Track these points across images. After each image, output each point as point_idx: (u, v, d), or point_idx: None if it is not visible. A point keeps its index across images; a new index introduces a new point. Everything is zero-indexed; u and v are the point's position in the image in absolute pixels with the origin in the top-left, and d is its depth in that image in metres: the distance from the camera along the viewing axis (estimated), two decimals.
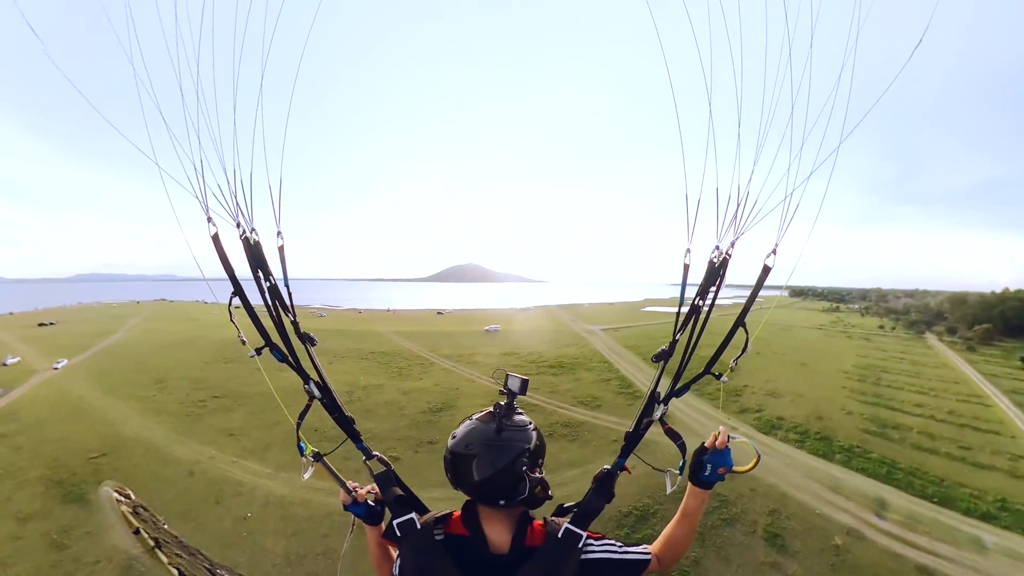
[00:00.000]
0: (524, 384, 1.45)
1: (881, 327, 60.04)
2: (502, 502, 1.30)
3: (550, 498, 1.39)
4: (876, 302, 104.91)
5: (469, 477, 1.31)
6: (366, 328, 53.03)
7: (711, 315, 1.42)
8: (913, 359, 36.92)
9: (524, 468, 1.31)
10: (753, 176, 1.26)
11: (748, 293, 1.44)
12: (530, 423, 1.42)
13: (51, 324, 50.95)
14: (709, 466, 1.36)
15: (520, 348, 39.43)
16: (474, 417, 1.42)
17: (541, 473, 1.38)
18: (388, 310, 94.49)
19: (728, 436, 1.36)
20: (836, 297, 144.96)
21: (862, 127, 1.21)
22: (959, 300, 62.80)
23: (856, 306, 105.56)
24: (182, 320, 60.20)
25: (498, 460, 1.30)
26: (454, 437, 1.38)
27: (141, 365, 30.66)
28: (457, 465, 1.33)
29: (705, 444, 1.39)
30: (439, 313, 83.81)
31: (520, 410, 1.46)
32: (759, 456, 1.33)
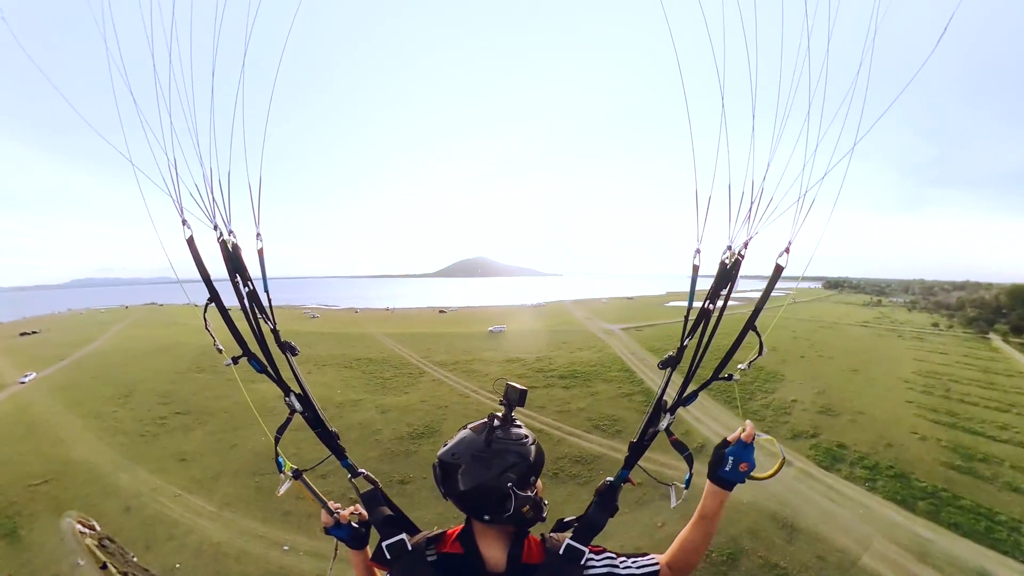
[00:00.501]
0: (523, 395, 1.49)
1: (935, 324, 59.33)
2: (487, 517, 1.36)
3: (543, 519, 1.42)
4: (922, 295, 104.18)
5: (455, 487, 1.37)
6: (358, 331, 54.17)
7: (722, 319, 1.45)
8: (982, 365, 35.05)
9: (510, 485, 1.34)
10: (768, 172, 1.29)
11: (764, 286, 1.47)
12: (527, 436, 1.46)
13: (33, 333, 54.10)
14: (731, 459, 1.37)
15: (527, 352, 39.22)
16: (468, 426, 1.48)
17: (534, 492, 1.41)
18: (387, 309, 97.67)
19: (755, 433, 1.38)
20: (875, 289, 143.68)
21: (896, 102, 1.23)
22: (1020, 293, 60.52)
23: (899, 299, 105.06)
24: (166, 325, 63.21)
25: (482, 474, 1.34)
26: (445, 444, 1.44)
27: (110, 377, 31.77)
28: (445, 474, 1.39)
29: (728, 439, 1.42)
30: (441, 312, 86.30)
31: (518, 422, 1.51)
32: (784, 459, 1.36)
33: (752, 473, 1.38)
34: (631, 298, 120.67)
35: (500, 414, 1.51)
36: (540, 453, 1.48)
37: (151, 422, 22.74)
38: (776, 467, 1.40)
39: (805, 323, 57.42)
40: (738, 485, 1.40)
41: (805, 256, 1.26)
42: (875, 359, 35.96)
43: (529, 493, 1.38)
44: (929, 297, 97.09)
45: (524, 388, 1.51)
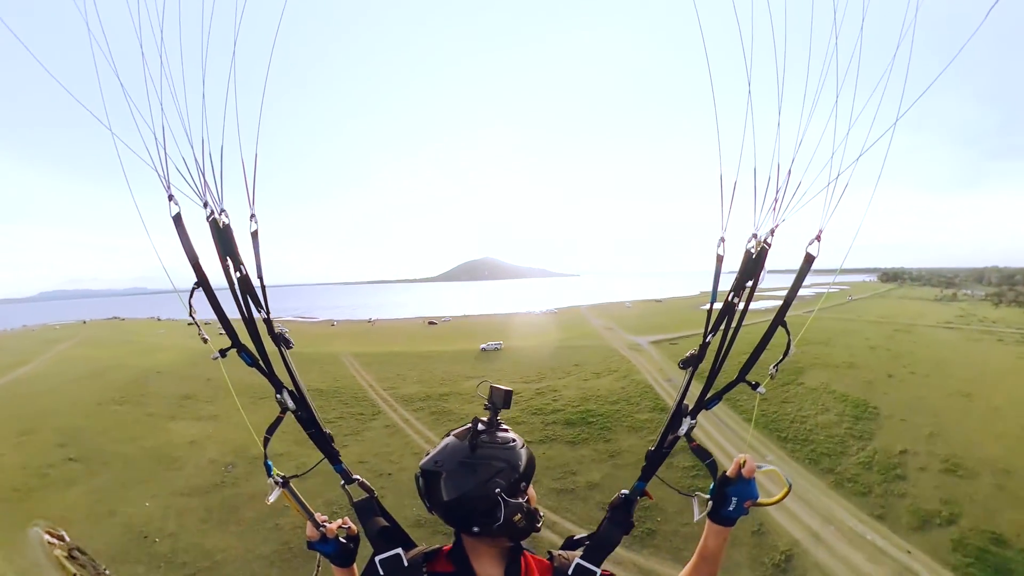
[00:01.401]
0: (508, 397, 1.67)
1: None
2: (476, 529, 1.49)
3: (536, 530, 1.58)
4: (1005, 285, 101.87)
5: (439, 497, 1.51)
6: (325, 350, 54.67)
7: (747, 312, 1.61)
8: None
9: (499, 491, 1.47)
10: (799, 151, 1.45)
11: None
12: (515, 440, 1.62)
13: None
14: (734, 500, 1.51)
15: (525, 379, 39.07)
16: (452, 432, 1.65)
17: (525, 499, 1.56)
18: (369, 321, 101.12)
19: (755, 464, 1.52)
20: (941, 281, 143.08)
21: (950, 63, 1.33)
22: None
23: (976, 292, 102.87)
24: (116, 344, 65.90)
25: (467, 481, 1.47)
26: (428, 453, 1.60)
27: (20, 409, 32.29)
28: (428, 484, 1.54)
29: (727, 474, 1.56)
30: (431, 323, 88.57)
31: (505, 426, 1.68)
32: (790, 485, 1.49)
33: (758, 500, 1.52)
34: (660, 300, 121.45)
35: (485, 418, 1.66)
36: (530, 458, 1.63)
37: (32, 472, 22.50)
38: (782, 494, 1.51)
39: (876, 326, 57.11)
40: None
41: (840, 244, 1.41)
42: (983, 375, 32.77)
43: (520, 500, 1.52)
44: (1014, 287, 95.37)
45: (509, 389, 1.68)
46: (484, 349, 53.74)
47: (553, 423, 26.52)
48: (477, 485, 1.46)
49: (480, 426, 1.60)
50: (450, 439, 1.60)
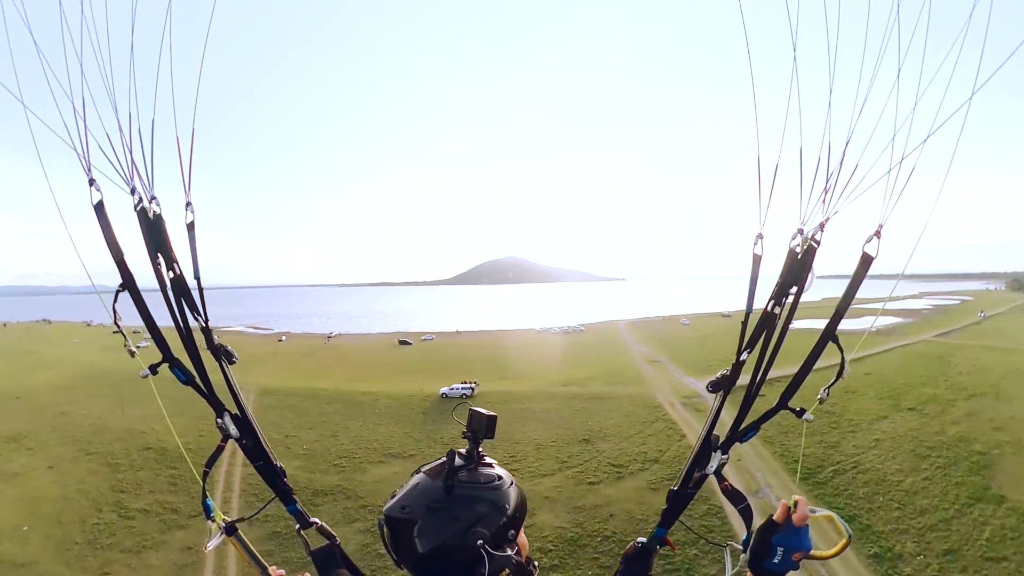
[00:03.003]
0: (491, 423, 1.70)
1: None
2: None
3: None
4: None
5: (408, 550, 1.53)
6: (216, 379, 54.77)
7: (791, 323, 1.64)
8: None
9: (481, 543, 1.48)
10: (853, 134, 1.47)
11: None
12: (500, 477, 1.65)
13: None
14: (780, 551, 1.55)
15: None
16: (423, 468, 1.67)
17: (514, 550, 1.58)
18: (328, 336, 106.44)
19: (808, 509, 1.55)
20: None
21: None
22: None
23: None
24: (21, 352, 70.46)
25: (442, 530, 1.49)
26: (393, 496, 1.61)
27: None
28: (394, 534, 1.55)
29: (774, 519, 1.59)
30: (402, 343, 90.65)
31: (489, 460, 1.71)
32: (849, 536, 1.54)
33: (811, 552, 1.55)
34: (728, 315, 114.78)
35: (463, 450, 1.70)
36: (521, 499, 1.65)
37: None
38: (841, 545, 1.56)
39: None
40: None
41: (900, 241, 1.48)
42: None
43: (508, 552, 1.53)
44: None
45: (492, 414, 1.71)
46: (445, 395, 50.17)
47: None
48: (454, 535, 1.47)
49: (457, 460, 1.61)
50: (420, 477, 1.62)
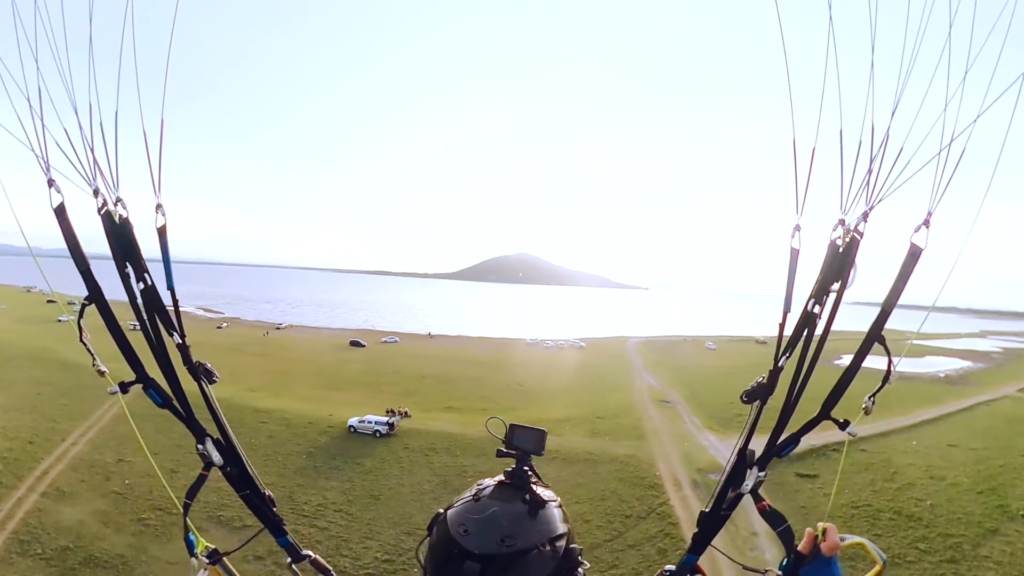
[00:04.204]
0: (541, 439, 1.85)
1: None
2: None
3: None
4: None
5: None
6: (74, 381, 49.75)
7: (833, 324, 1.65)
8: None
9: (583, 571, 1.68)
10: (897, 110, 1.49)
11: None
12: (557, 498, 1.80)
13: None
14: None
15: None
16: (480, 494, 1.76)
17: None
18: (277, 327, 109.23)
19: (838, 537, 1.61)
20: None
21: None
22: None
23: None
24: None
25: (547, 561, 1.62)
26: (464, 531, 1.65)
27: None
28: (495, 571, 1.58)
29: (799, 549, 1.65)
30: (353, 344, 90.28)
31: (538, 478, 1.86)
32: (884, 562, 1.57)
33: None
34: (762, 341, 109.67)
35: (508, 474, 1.82)
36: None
37: None
38: (874, 573, 1.59)
39: None
40: None
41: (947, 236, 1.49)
42: None
43: (586, 565, 1.73)
44: None
45: (542, 430, 1.84)
46: (353, 429, 45.18)
47: None
48: (560, 564, 1.64)
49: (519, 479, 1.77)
50: (488, 503, 1.73)
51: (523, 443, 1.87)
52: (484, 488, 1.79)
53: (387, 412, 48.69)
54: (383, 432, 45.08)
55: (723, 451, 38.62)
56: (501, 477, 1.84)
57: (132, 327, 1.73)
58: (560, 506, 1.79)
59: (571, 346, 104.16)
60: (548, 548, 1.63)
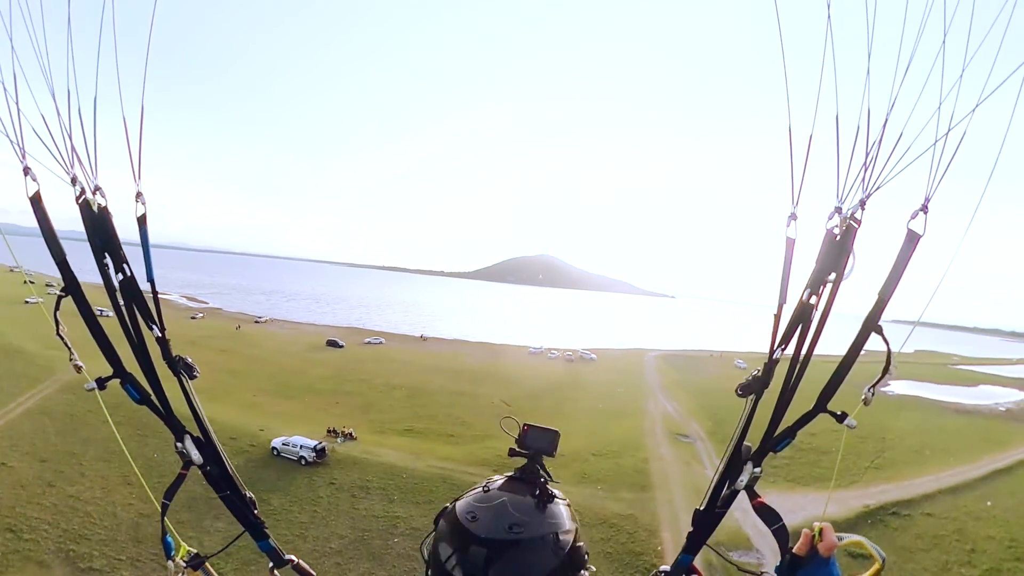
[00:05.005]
0: (555, 439, 1.98)
1: None
2: None
3: None
4: None
5: (524, 571, 1.71)
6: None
7: (830, 315, 1.69)
8: None
9: (589, 571, 1.75)
10: (897, 97, 1.54)
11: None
12: (567, 499, 1.92)
13: None
14: None
15: None
16: (494, 484, 1.90)
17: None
18: (256, 320, 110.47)
19: (835, 536, 1.64)
20: None
21: None
22: None
23: None
24: None
25: (553, 552, 1.73)
26: (472, 518, 1.78)
27: None
28: (500, 561, 1.70)
29: (794, 551, 1.69)
30: (330, 345, 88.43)
31: (549, 477, 1.97)
32: (883, 560, 1.61)
33: None
34: (823, 357, 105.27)
35: (519, 471, 1.96)
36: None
37: None
38: (873, 571, 1.62)
39: None
40: None
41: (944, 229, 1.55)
42: None
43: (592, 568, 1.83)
44: None
45: (555, 430, 1.97)
46: (276, 452, 40.47)
47: None
48: (565, 559, 1.74)
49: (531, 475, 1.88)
50: (498, 494, 1.85)
51: (536, 443, 2.01)
52: (494, 481, 1.92)
53: (328, 432, 44.61)
54: (308, 460, 39.71)
55: (757, 521, 31.77)
56: (512, 473, 1.98)
57: (100, 312, 1.77)
58: (569, 506, 1.91)
59: (580, 357, 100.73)
60: (555, 541, 1.74)
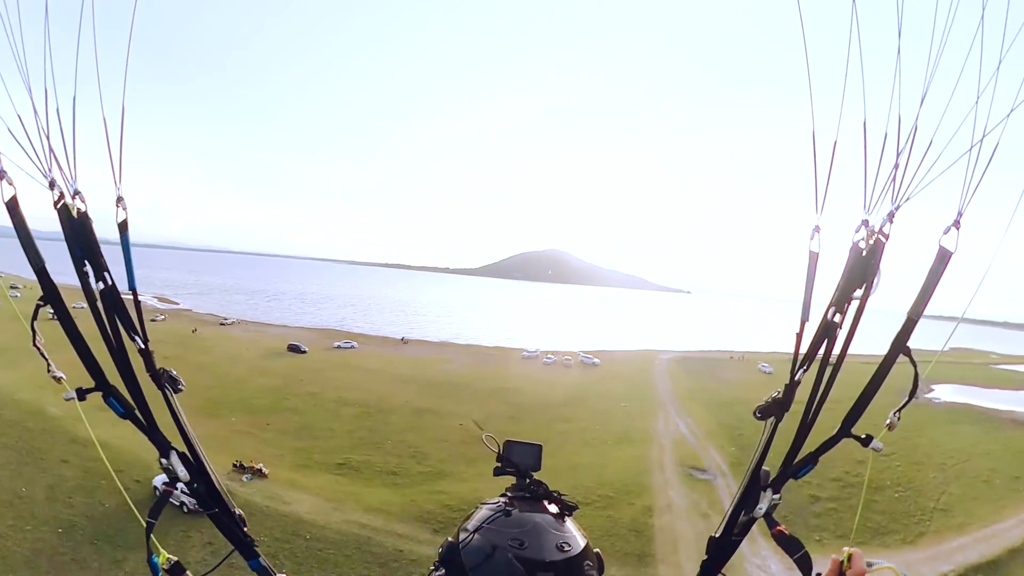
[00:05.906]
0: (538, 453, 2.02)
1: None
2: None
3: None
4: None
5: None
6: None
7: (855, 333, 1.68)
8: None
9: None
10: (926, 100, 1.54)
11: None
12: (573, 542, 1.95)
13: None
14: None
15: None
16: (505, 510, 1.95)
17: None
18: (220, 323, 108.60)
19: (865, 563, 1.64)
20: None
21: None
22: None
23: None
24: None
25: (595, 556, 1.84)
26: (520, 545, 1.83)
27: None
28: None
29: None
30: (291, 351, 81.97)
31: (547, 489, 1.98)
32: None
33: None
34: (864, 358, 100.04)
35: (514, 489, 2.00)
36: None
37: None
38: None
39: None
40: None
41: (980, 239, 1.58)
42: None
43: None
44: None
45: (538, 444, 1.99)
46: (157, 491, 26.15)
47: None
48: (600, 566, 1.86)
49: (510, 507, 1.93)
50: (523, 517, 1.92)
51: (520, 459, 2.07)
52: (502, 505, 1.97)
53: (233, 467, 37.94)
54: (191, 507, 27.95)
55: (765, 552, 28.93)
56: (510, 493, 2.02)
57: (75, 306, 1.73)
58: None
59: (583, 361, 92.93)
60: (590, 551, 1.88)
